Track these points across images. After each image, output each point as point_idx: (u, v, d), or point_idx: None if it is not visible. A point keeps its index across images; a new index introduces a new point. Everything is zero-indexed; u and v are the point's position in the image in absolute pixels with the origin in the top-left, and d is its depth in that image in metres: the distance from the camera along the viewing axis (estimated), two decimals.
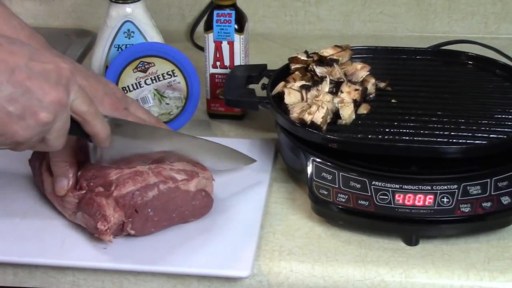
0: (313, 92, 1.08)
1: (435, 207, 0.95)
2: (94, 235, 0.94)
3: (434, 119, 1.04)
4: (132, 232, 0.95)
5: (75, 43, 1.48)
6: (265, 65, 1.20)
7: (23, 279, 0.97)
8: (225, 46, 1.20)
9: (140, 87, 1.17)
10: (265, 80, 1.17)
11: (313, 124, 1.01)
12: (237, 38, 1.20)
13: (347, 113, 1.04)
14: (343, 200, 0.97)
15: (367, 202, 0.96)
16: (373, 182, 0.97)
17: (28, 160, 1.05)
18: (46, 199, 1.01)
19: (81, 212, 0.95)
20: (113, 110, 0.99)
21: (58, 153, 0.96)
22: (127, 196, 0.93)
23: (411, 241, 0.97)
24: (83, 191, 0.96)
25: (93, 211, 0.93)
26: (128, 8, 1.19)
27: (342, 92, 1.08)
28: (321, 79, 1.10)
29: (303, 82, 1.11)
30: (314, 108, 1.03)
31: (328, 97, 1.05)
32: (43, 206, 1.01)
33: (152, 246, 0.95)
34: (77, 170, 0.97)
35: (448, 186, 0.96)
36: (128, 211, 0.93)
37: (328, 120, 1.03)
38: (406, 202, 0.96)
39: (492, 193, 0.96)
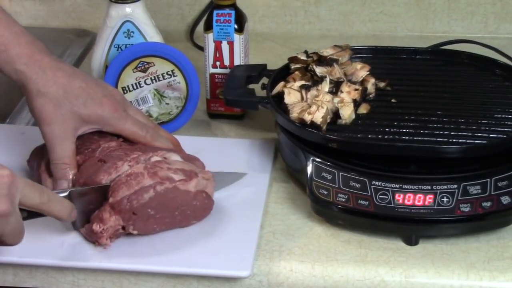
0: (313, 92, 1.07)
1: (435, 207, 0.95)
2: (91, 240, 0.94)
3: (434, 118, 1.03)
4: (135, 232, 0.94)
5: (75, 43, 1.48)
6: (265, 65, 1.20)
7: (23, 279, 0.97)
8: (224, 46, 1.20)
9: (140, 87, 1.17)
10: (265, 80, 1.17)
11: (313, 124, 1.01)
12: (237, 38, 1.20)
13: (347, 113, 1.04)
14: (343, 200, 0.97)
15: (367, 202, 0.96)
16: (373, 182, 0.97)
17: (26, 160, 1.05)
18: None
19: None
20: (112, 112, 1.00)
21: (58, 155, 0.97)
22: (122, 202, 0.92)
23: (411, 241, 0.97)
24: None
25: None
26: (128, 8, 1.19)
27: (342, 92, 1.08)
28: (321, 79, 1.10)
29: (303, 82, 1.10)
30: (314, 108, 1.03)
31: (328, 97, 1.05)
32: None
33: (152, 246, 0.95)
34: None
35: (448, 185, 0.96)
36: (126, 215, 0.93)
37: (328, 120, 1.03)
38: (406, 202, 0.96)
39: (492, 193, 0.96)
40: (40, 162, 1.01)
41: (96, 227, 0.92)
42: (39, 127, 0.98)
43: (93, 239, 0.93)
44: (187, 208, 0.96)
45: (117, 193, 0.93)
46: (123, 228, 0.94)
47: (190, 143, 1.09)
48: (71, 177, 0.97)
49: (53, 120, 0.96)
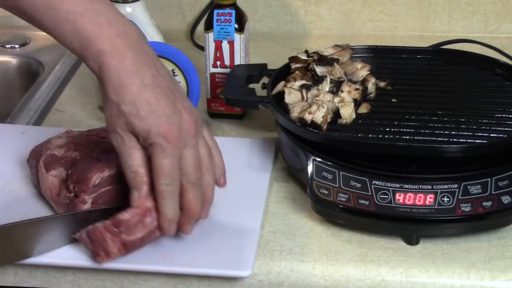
0: (314, 91, 1.08)
1: (436, 207, 0.95)
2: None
3: (434, 118, 1.03)
4: None
5: None
6: (265, 65, 1.20)
7: (24, 279, 0.97)
8: (225, 45, 1.20)
9: None
10: (265, 80, 1.16)
11: (313, 124, 1.01)
12: (237, 38, 1.20)
13: (348, 113, 1.04)
14: (344, 199, 0.97)
15: (368, 202, 0.96)
16: (374, 182, 0.97)
17: (26, 160, 1.05)
18: (45, 198, 1.01)
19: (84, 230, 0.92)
20: (162, 138, 0.88)
21: (126, 163, 0.90)
22: (135, 243, 0.91)
23: (412, 241, 0.97)
24: (72, 194, 0.95)
25: (96, 239, 0.90)
26: (128, 8, 1.19)
27: (342, 91, 1.08)
28: (322, 78, 1.10)
29: (303, 82, 1.10)
30: (314, 107, 1.03)
31: (329, 96, 1.05)
32: (43, 206, 1.01)
33: (152, 245, 0.95)
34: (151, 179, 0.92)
35: (449, 185, 0.96)
36: (135, 250, 0.93)
37: (329, 120, 1.03)
38: (407, 202, 0.96)
39: (493, 193, 0.96)
40: (38, 160, 1.01)
41: (101, 259, 0.91)
42: None
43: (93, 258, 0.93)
44: None
45: (131, 232, 0.91)
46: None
47: None
48: (145, 186, 0.91)
49: (115, 128, 0.89)
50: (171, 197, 0.90)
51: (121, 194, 0.96)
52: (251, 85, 1.16)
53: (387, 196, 0.96)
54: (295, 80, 1.12)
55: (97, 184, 0.95)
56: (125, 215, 0.90)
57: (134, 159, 0.90)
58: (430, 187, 0.96)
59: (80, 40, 0.88)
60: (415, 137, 1.00)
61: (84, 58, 0.89)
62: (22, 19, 0.92)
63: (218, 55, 1.21)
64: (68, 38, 0.89)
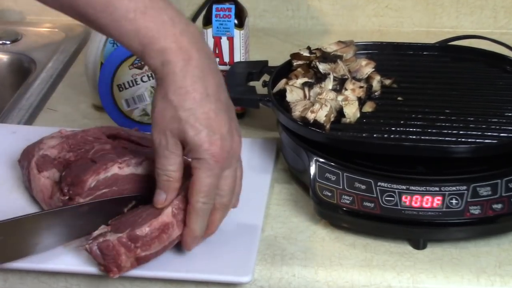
0: (316, 89, 1.07)
1: (444, 209, 0.95)
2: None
3: (442, 117, 1.03)
4: None
5: (68, 39, 1.48)
6: (266, 62, 1.20)
7: (14, 285, 0.96)
8: (224, 41, 1.20)
9: (136, 84, 1.17)
10: (266, 77, 1.16)
11: (316, 123, 1.01)
12: (237, 34, 1.19)
13: (352, 111, 1.04)
14: (348, 201, 0.97)
15: (373, 204, 0.96)
16: (379, 183, 0.96)
17: (18, 160, 1.05)
18: (37, 201, 1.01)
19: (93, 240, 0.91)
20: (212, 157, 0.89)
21: (162, 164, 0.90)
22: (149, 257, 0.91)
23: (419, 245, 0.96)
24: (66, 197, 0.95)
25: (109, 253, 0.89)
26: None
27: (346, 89, 1.08)
28: (324, 76, 1.10)
29: (305, 79, 1.10)
30: (317, 106, 1.02)
31: (332, 94, 1.05)
32: (34, 209, 1.00)
33: None
34: (181, 186, 0.92)
35: (457, 187, 0.95)
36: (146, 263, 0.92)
37: (332, 119, 1.03)
38: (413, 204, 0.95)
39: (503, 194, 0.95)
40: (30, 160, 1.01)
41: (113, 274, 0.90)
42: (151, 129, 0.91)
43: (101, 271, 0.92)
44: None
45: (148, 248, 0.90)
46: None
47: None
48: (173, 192, 0.91)
49: (162, 130, 0.88)
50: (204, 215, 0.91)
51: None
52: (252, 83, 1.16)
53: (393, 198, 0.96)
54: (297, 77, 1.12)
55: (93, 187, 0.95)
56: (143, 231, 0.89)
57: (173, 164, 0.90)
58: (437, 189, 0.95)
59: (141, 38, 0.87)
60: (422, 137, 0.99)
61: (144, 56, 0.88)
62: (76, 20, 0.90)
63: (217, 51, 1.21)
64: (127, 36, 0.88)
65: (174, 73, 0.87)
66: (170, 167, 0.90)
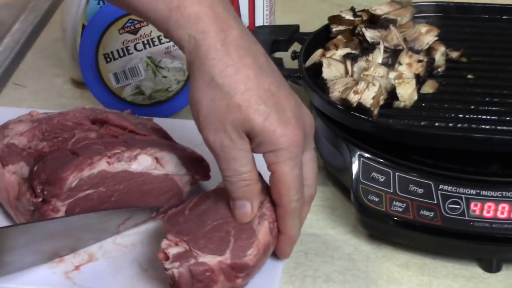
0: (361, 63, 1.08)
1: None
2: None
3: None
4: None
5: None
6: (297, 26, 1.21)
7: None
8: (243, 0, 1.21)
9: (129, 53, 1.17)
10: (296, 47, 1.17)
11: (360, 107, 1.02)
12: None
13: (407, 93, 1.05)
14: (400, 209, 0.98)
15: (432, 213, 0.97)
16: (441, 186, 0.97)
17: None
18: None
19: (179, 261, 0.91)
20: (291, 144, 0.90)
21: (232, 169, 0.91)
22: (243, 286, 0.93)
23: (491, 267, 0.97)
24: (39, 199, 0.96)
25: (203, 279, 0.89)
26: None
27: (400, 64, 1.08)
28: (373, 46, 1.11)
29: (348, 50, 1.11)
30: (362, 85, 1.03)
31: (382, 70, 1.06)
32: None
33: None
34: (262, 188, 0.94)
35: None
36: None
37: (381, 102, 1.04)
38: (485, 214, 0.96)
39: None
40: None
41: None
42: (200, 131, 0.92)
43: None
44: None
45: (250, 276, 0.92)
46: None
47: (192, 130, 1.09)
48: (256, 196, 0.93)
49: (221, 127, 0.89)
50: (300, 214, 0.94)
51: (104, 201, 0.97)
52: (277, 54, 1.17)
53: (458, 206, 0.97)
54: (336, 48, 1.13)
55: (74, 187, 0.96)
56: (252, 259, 0.91)
57: (246, 165, 0.91)
58: None
59: (168, 2, 0.88)
60: (498, 127, 1.00)
61: (168, 26, 0.89)
62: None
63: None
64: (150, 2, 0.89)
65: (216, 49, 0.87)
66: (244, 168, 0.91)
